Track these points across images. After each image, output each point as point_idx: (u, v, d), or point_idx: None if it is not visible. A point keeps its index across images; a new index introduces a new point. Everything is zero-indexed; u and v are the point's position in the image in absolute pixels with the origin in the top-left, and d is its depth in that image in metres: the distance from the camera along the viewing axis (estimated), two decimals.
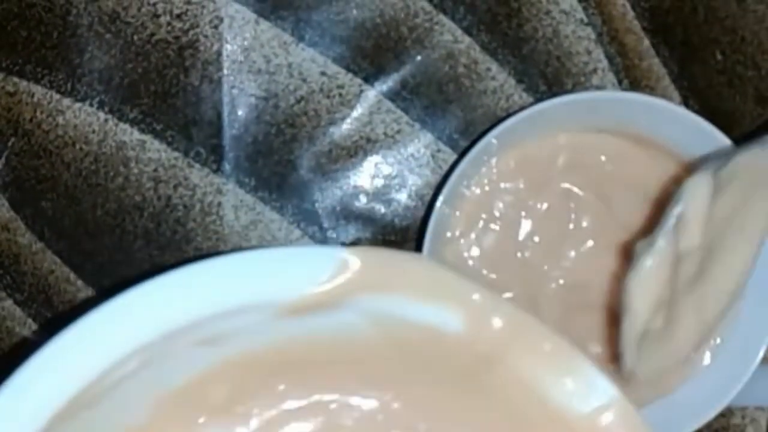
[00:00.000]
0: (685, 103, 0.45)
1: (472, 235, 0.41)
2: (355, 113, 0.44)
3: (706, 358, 0.42)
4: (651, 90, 0.45)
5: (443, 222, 0.40)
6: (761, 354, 0.41)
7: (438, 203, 0.40)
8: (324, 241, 0.45)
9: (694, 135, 0.39)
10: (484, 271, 0.41)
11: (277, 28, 0.46)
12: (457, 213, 0.41)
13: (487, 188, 0.41)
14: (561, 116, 0.40)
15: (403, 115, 0.47)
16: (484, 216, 0.41)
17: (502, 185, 0.41)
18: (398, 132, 0.47)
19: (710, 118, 0.47)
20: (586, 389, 0.26)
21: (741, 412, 0.47)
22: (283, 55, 0.44)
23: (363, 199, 0.46)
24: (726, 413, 0.46)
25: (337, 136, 0.44)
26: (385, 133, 0.47)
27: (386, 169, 0.44)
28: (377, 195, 0.45)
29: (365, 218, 0.46)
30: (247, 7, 0.43)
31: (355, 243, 0.46)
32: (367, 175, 0.45)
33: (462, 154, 0.41)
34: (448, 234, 0.41)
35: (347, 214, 0.45)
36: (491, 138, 0.39)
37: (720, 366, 0.41)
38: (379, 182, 0.45)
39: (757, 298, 0.40)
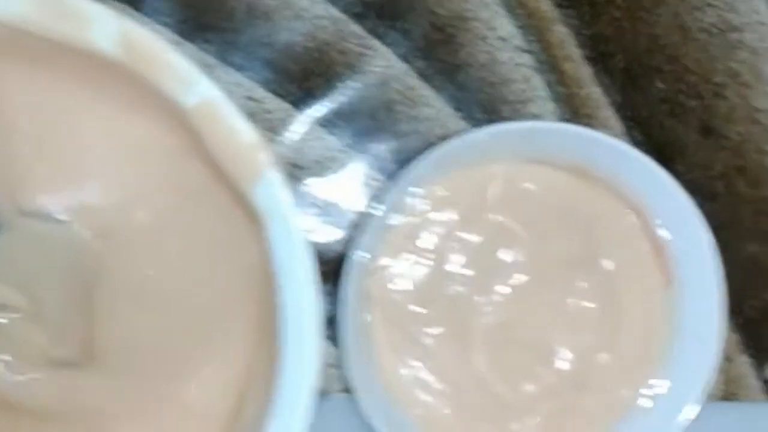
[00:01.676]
0: (628, 134, 0.41)
1: (399, 267, 0.37)
2: (284, 139, 0.40)
3: (647, 402, 0.38)
4: (592, 119, 0.41)
5: (369, 252, 0.36)
6: (703, 394, 0.37)
7: (364, 233, 0.35)
8: None
9: (631, 167, 0.36)
10: (411, 306, 0.37)
11: (201, 51, 0.44)
12: (384, 243, 0.37)
13: (416, 218, 0.37)
14: (495, 145, 0.36)
15: (335, 141, 0.45)
16: (412, 247, 0.37)
17: (432, 216, 0.37)
18: (329, 159, 0.44)
19: (654, 148, 0.41)
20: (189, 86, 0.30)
21: None
22: None
23: None
24: None
25: None
26: (315, 160, 0.45)
27: (316, 197, 0.40)
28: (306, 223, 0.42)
29: None
30: (168, 28, 0.40)
31: None
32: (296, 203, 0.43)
33: (393, 182, 0.36)
34: (374, 264, 0.37)
35: None
36: (421, 166, 0.35)
37: (662, 409, 0.37)
38: (308, 210, 0.41)
39: (696, 337, 0.37)
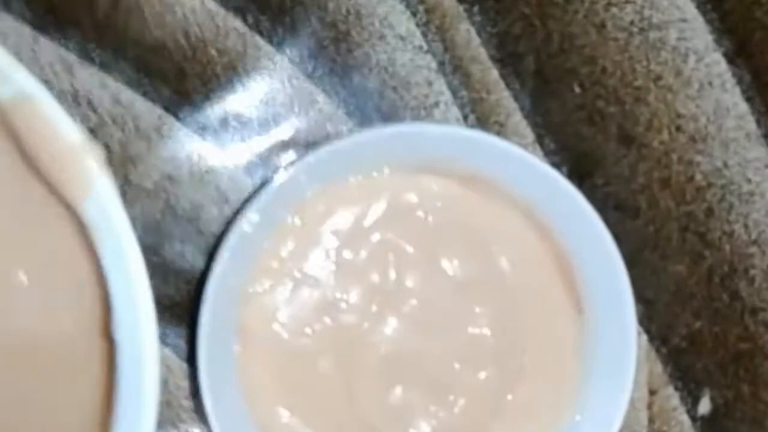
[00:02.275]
0: (540, 142, 0.36)
1: (275, 294, 0.32)
2: (155, 148, 0.35)
3: None
4: (501, 127, 0.36)
5: (241, 275, 0.31)
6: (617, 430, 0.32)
7: (223, 253, 0.30)
8: None
9: (534, 178, 0.32)
10: (288, 337, 0.32)
11: (60, 47, 0.39)
12: (254, 265, 0.32)
13: (292, 236, 0.32)
14: (379, 152, 0.31)
15: (214, 149, 0.40)
16: (288, 271, 0.32)
17: (310, 233, 0.32)
18: (207, 171, 0.40)
19: (569, 159, 0.36)
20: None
21: None
22: (67, 79, 0.35)
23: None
24: None
25: (133, 176, 0.36)
26: (190, 172, 0.39)
27: (186, 212, 0.35)
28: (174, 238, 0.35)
29: (156, 263, 0.35)
30: (24, 23, 0.35)
31: None
32: (164, 216, 0.35)
33: (260, 189, 0.31)
34: (243, 291, 0.31)
35: None
36: (295, 175, 0.30)
37: None
38: (179, 225, 0.35)
39: (610, 369, 0.33)
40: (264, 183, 0.32)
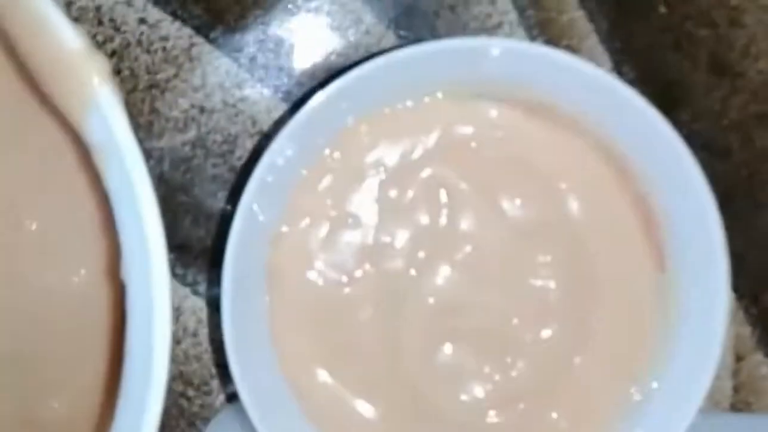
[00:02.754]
0: (618, 70, 0.31)
1: (311, 234, 0.28)
2: (185, 74, 0.31)
3: (631, 414, 0.28)
4: (573, 51, 0.31)
5: (272, 213, 0.27)
6: (699, 400, 0.27)
7: (252, 185, 0.25)
8: None
9: (614, 108, 0.26)
10: (324, 285, 0.28)
11: None
12: (288, 202, 0.27)
13: (330, 170, 0.28)
14: (431, 73, 0.26)
15: (249, 75, 0.35)
16: (326, 208, 0.28)
17: (352, 168, 0.28)
18: (241, 100, 0.31)
19: (651, 90, 0.30)
20: None
21: None
22: None
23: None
24: None
25: (160, 104, 0.31)
26: (223, 100, 0.31)
27: (218, 145, 0.31)
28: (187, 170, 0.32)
29: (186, 203, 0.32)
30: None
31: None
32: (194, 150, 0.32)
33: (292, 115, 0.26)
34: (275, 231, 0.27)
35: None
36: (332, 98, 0.25)
37: (651, 421, 0.28)
38: (210, 160, 0.32)
39: (695, 333, 0.28)
40: (294, 110, 0.28)
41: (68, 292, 0.27)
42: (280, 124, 0.31)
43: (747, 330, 0.33)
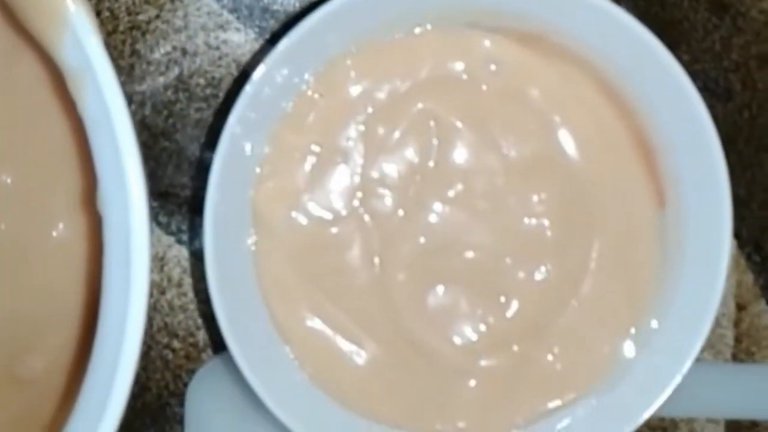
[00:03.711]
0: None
1: (298, 173, 0.27)
2: (166, 15, 0.30)
3: (629, 350, 0.28)
4: None
5: (246, 151, 0.26)
6: (701, 342, 0.26)
7: (231, 120, 0.25)
8: None
9: (612, 35, 0.26)
10: (311, 225, 0.27)
11: None
12: (271, 137, 0.26)
13: (316, 103, 0.26)
14: (422, 2, 0.26)
15: (233, 16, 0.34)
16: (311, 145, 0.27)
17: (339, 100, 0.27)
18: (225, 42, 0.30)
19: (649, 29, 0.33)
20: None
21: (687, 425, 0.35)
22: None
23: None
24: (668, 426, 0.33)
25: (141, 46, 0.30)
26: (206, 42, 0.30)
27: (202, 88, 0.30)
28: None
29: (169, 149, 0.31)
30: None
31: None
32: (177, 93, 0.31)
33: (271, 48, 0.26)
34: (257, 169, 0.26)
35: None
36: (320, 26, 0.24)
37: (648, 366, 0.27)
38: (194, 103, 0.31)
39: (695, 274, 0.27)
40: (272, 41, 0.27)
41: (45, 248, 0.26)
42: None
43: (749, 278, 0.32)
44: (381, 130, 0.27)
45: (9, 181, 0.26)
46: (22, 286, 0.26)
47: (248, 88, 0.25)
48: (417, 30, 0.26)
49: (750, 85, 0.31)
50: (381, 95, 0.27)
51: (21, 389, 0.26)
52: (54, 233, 0.26)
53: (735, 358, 0.32)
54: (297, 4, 0.31)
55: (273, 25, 0.31)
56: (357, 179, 0.27)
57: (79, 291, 0.25)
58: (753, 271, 0.32)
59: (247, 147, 0.25)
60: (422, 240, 0.27)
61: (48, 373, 0.26)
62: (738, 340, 0.32)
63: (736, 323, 0.32)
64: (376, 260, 0.27)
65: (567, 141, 0.27)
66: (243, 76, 0.31)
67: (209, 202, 0.25)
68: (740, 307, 0.32)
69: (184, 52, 0.31)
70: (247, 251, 0.27)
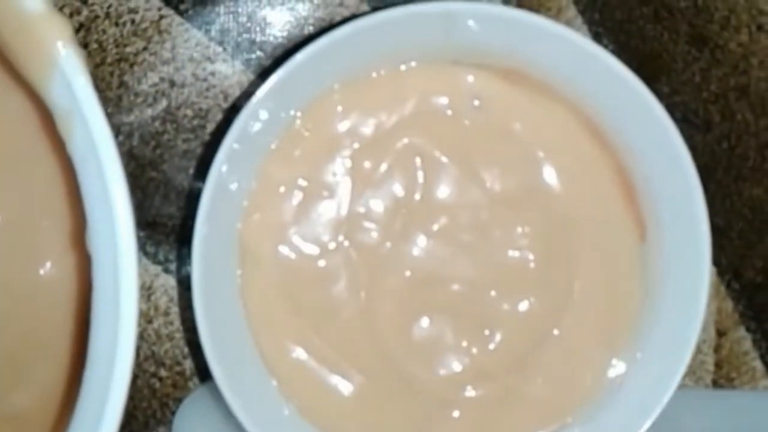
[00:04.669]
0: (597, 42, 0.30)
1: (282, 207, 0.27)
2: (154, 47, 0.30)
3: (612, 380, 0.28)
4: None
5: (234, 186, 0.26)
6: (682, 371, 0.27)
7: (221, 156, 0.25)
8: None
9: (592, 73, 0.26)
10: (297, 259, 0.27)
11: None
12: (259, 172, 0.26)
13: (303, 140, 0.27)
14: (405, 38, 0.26)
15: (220, 48, 0.30)
16: (298, 180, 0.27)
17: (325, 136, 0.27)
18: (212, 73, 0.31)
19: (629, 61, 0.30)
20: None
21: None
22: None
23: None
24: None
25: (129, 78, 0.31)
26: (194, 74, 0.31)
27: (189, 120, 0.30)
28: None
29: (156, 179, 0.31)
30: None
31: None
32: (164, 125, 0.31)
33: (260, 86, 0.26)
34: (245, 203, 0.26)
35: None
36: (307, 62, 0.25)
37: (629, 396, 0.28)
38: (181, 135, 0.31)
39: (676, 305, 0.27)
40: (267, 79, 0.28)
41: (32, 286, 0.26)
42: (250, 95, 0.31)
43: (729, 305, 0.32)
44: (367, 165, 0.27)
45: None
46: (8, 325, 0.26)
47: (236, 124, 0.25)
48: (402, 67, 0.27)
49: (728, 116, 0.32)
50: (367, 130, 0.27)
51: (6, 426, 0.26)
52: (42, 272, 0.26)
53: (715, 384, 0.32)
54: (284, 37, 0.31)
55: (260, 56, 0.31)
56: (343, 213, 0.27)
57: (66, 327, 0.25)
58: (732, 298, 0.32)
59: (234, 181, 0.26)
60: (408, 273, 0.27)
61: (34, 409, 0.26)
62: (718, 366, 0.33)
63: (716, 349, 0.33)
64: (362, 293, 0.27)
65: (550, 175, 0.27)
66: (231, 107, 0.31)
67: (197, 235, 0.25)
68: (720, 334, 0.33)
69: (172, 83, 0.31)
70: (235, 283, 0.27)
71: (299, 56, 0.24)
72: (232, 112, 0.32)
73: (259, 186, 0.26)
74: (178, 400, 0.32)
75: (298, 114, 0.26)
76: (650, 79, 0.32)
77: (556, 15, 0.31)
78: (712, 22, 0.32)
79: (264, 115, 0.25)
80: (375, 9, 0.31)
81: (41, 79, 0.21)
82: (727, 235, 0.32)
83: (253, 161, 0.26)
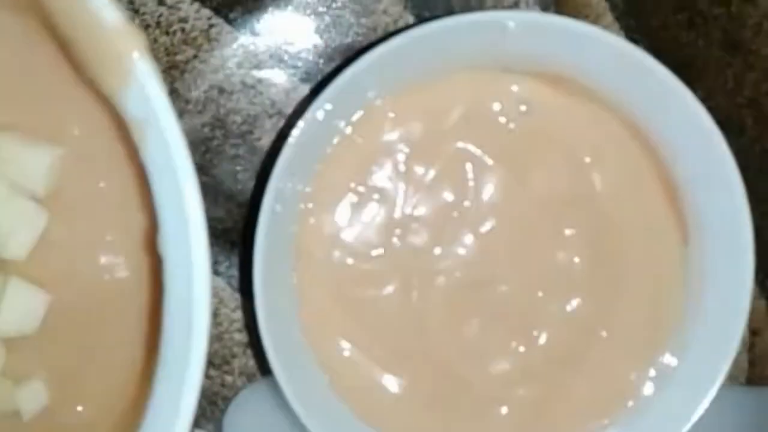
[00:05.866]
0: None
1: (336, 211, 0.28)
2: (204, 55, 0.31)
3: (652, 383, 0.28)
4: None
5: (292, 190, 0.27)
6: (723, 373, 0.27)
7: (280, 163, 0.26)
8: None
9: (638, 79, 0.26)
10: (351, 260, 0.28)
11: None
12: (313, 178, 0.27)
13: (356, 146, 0.27)
14: (456, 48, 0.26)
15: (268, 56, 0.31)
16: (350, 183, 0.28)
17: (377, 142, 0.27)
18: (260, 81, 0.32)
19: (665, 66, 0.36)
20: None
21: None
22: None
23: None
24: None
25: (179, 85, 0.32)
26: (242, 81, 0.32)
27: (238, 126, 0.31)
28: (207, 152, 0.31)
29: (206, 183, 0.29)
30: None
31: None
32: (213, 131, 0.32)
33: (318, 92, 0.27)
34: (302, 206, 0.27)
35: None
36: (357, 76, 0.25)
37: (672, 394, 0.28)
38: (229, 140, 0.32)
39: (718, 307, 0.28)
40: (319, 89, 0.28)
41: (103, 290, 0.27)
42: (303, 104, 0.32)
43: (762, 304, 0.33)
44: (418, 169, 0.28)
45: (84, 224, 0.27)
46: (80, 328, 0.27)
47: (294, 131, 0.26)
48: (450, 75, 0.27)
49: (761, 120, 0.33)
50: (418, 136, 0.28)
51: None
52: (113, 274, 0.27)
53: (749, 381, 0.33)
54: (329, 45, 0.32)
55: (306, 63, 0.32)
56: (395, 216, 0.28)
57: (135, 329, 0.26)
58: (765, 297, 0.33)
59: (292, 187, 0.26)
60: (457, 274, 0.28)
61: (96, 419, 0.27)
62: (752, 364, 0.33)
63: (750, 348, 0.33)
64: (414, 294, 0.28)
65: (596, 179, 0.28)
66: (278, 114, 0.32)
67: (259, 239, 0.26)
68: (754, 333, 0.33)
69: (221, 90, 0.32)
70: (290, 283, 0.28)
71: (356, 66, 0.25)
72: (279, 118, 0.32)
73: (314, 191, 0.27)
74: (226, 399, 0.33)
75: (352, 120, 0.27)
76: (685, 85, 0.33)
77: (594, 22, 0.32)
78: (745, 28, 0.32)
79: (320, 121, 0.26)
80: (417, 17, 0.32)
81: (117, 89, 0.22)
82: (760, 236, 0.33)
83: (309, 167, 0.27)
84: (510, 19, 0.25)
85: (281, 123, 0.32)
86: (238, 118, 0.32)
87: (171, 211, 0.22)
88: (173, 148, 0.21)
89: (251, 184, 0.32)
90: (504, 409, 0.28)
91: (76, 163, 0.25)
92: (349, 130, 0.27)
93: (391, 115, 0.27)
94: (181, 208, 0.21)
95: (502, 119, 0.27)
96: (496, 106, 0.27)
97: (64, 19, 0.22)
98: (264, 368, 0.31)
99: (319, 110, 0.25)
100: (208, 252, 0.21)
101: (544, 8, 0.32)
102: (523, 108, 0.27)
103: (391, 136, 0.27)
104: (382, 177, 0.27)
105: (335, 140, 0.27)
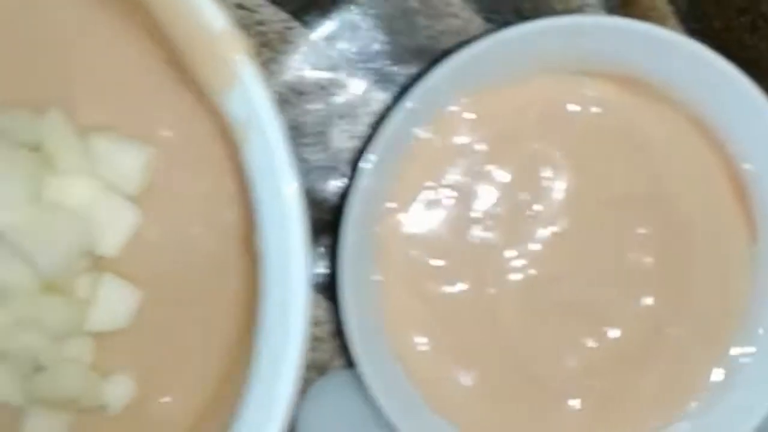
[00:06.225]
0: None
1: (413, 209, 0.28)
2: (280, 57, 0.33)
3: (721, 379, 0.29)
4: None
5: (376, 190, 0.28)
6: None
7: (366, 164, 0.27)
8: None
9: (708, 79, 0.27)
10: (427, 257, 0.29)
11: None
12: (393, 179, 0.28)
13: (434, 147, 0.28)
14: (532, 51, 0.27)
15: (343, 58, 0.32)
16: (429, 183, 0.28)
17: (453, 145, 0.28)
18: (334, 83, 0.33)
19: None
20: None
21: None
22: None
23: None
24: None
25: None
26: (317, 83, 0.33)
27: (313, 128, 0.33)
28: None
29: None
30: None
31: None
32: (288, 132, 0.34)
33: (400, 99, 0.28)
34: (384, 205, 0.28)
35: None
36: (436, 82, 0.27)
37: (741, 392, 0.29)
38: (305, 142, 0.33)
39: None
40: (401, 93, 0.29)
41: (197, 280, 0.28)
42: (373, 106, 0.33)
43: None
44: (494, 170, 0.29)
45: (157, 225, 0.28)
46: (176, 324, 0.27)
47: (379, 134, 0.27)
48: (525, 78, 0.28)
49: None
50: (494, 137, 0.28)
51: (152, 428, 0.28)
52: (201, 272, 0.27)
53: None
54: (402, 47, 0.33)
55: (379, 66, 0.33)
56: (471, 215, 0.29)
57: (224, 330, 0.27)
58: None
59: (375, 187, 0.27)
60: (530, 272, 0.29)
61: (180, 411, 0.28)
62: None
63: None
64: (488, 290, 0.28)
65: (667, 178, 0.28)
66: (352, 114, 0.33)
67: (345, 238, 0.27)
68: None
69: (297, 92, 0.33)
70: (372, 280, 0.29)
71: (441, 69, 0.26)
72: (352, 119, 0.33)
73: (394, 191, 0.28)
74: (300, 391, 0.34)
75: (432, 121, 0.28)
76: None
77: (659, 24, 0.33)
78: None
79: (403, 123, 0.27)
80: (487, 20, 0.33)
81: (222, 90, 0.23)
82: None
83: (391, 167, 0.28)
84: (590, 23, 0.26)
85: (354, 124, 0.33)
86: (312, 119, 0.33)
87: (271, 212, 0.23)
88: (276, 150, 0.22)
89: (323, 184, 0.33)
90: (575, 403, 0.29)
91: (169, 161, 0.26)
92: (428, 131, 0.28)
93: (470, 116, 0.28)
94: (281, 209, 0.22)
95: (576, 121, 0.28)
96: (571, 108, 0.28)
97: (171, 22, 0.23)
98: (334, 361, 0.32)
99: (400, 112, 0.26)
100: (308, 254, 0.22)
101: (610, 11, 0.33)
102: (596, 110, 0.28)
103: (469, 137, 0.28)
104: (458, 177, 0.28)
105: (415, 141, 0.28)
